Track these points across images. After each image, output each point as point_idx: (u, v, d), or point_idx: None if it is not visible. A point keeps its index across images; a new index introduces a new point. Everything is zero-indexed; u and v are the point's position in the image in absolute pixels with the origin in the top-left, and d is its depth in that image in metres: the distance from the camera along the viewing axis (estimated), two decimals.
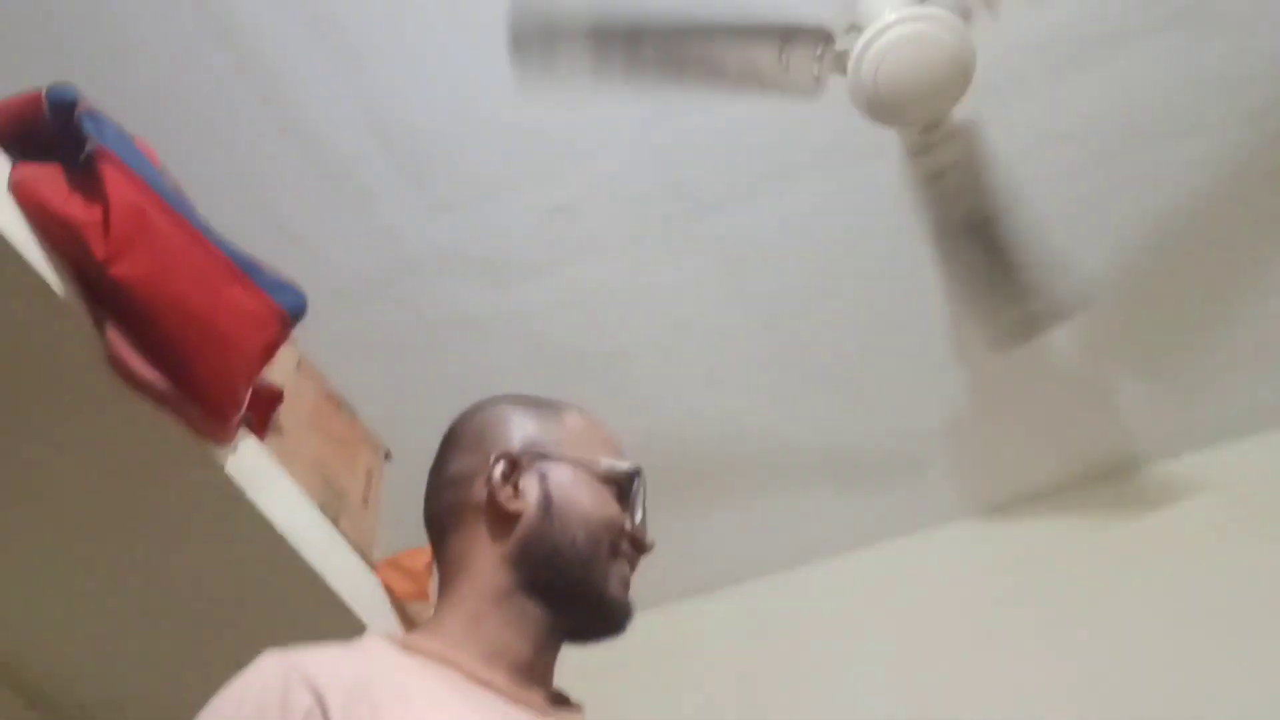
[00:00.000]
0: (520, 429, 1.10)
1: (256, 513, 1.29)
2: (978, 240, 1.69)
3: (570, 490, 1.06)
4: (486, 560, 1.04)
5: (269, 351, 1.29)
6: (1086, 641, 2.03)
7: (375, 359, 2.10)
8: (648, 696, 2.30)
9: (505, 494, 1.04)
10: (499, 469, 1.05)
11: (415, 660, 0.97)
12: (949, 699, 2.06)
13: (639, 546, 1.07)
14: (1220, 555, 2.03)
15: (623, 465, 1.09)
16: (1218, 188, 1.89)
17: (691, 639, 2.30)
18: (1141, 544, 2.12)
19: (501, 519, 1.05)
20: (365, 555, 1.52)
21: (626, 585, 1.06)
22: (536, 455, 1.07)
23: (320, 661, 0.89)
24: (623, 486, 1.08)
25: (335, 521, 1.47)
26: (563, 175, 1.92)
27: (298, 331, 1.53)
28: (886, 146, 1.66)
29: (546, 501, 1.05)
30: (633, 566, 1.08)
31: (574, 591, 1.04)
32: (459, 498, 1.08)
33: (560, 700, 1.06)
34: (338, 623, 1.43)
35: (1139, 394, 2.15)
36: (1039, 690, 2.00)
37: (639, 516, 1.08)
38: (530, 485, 1.06)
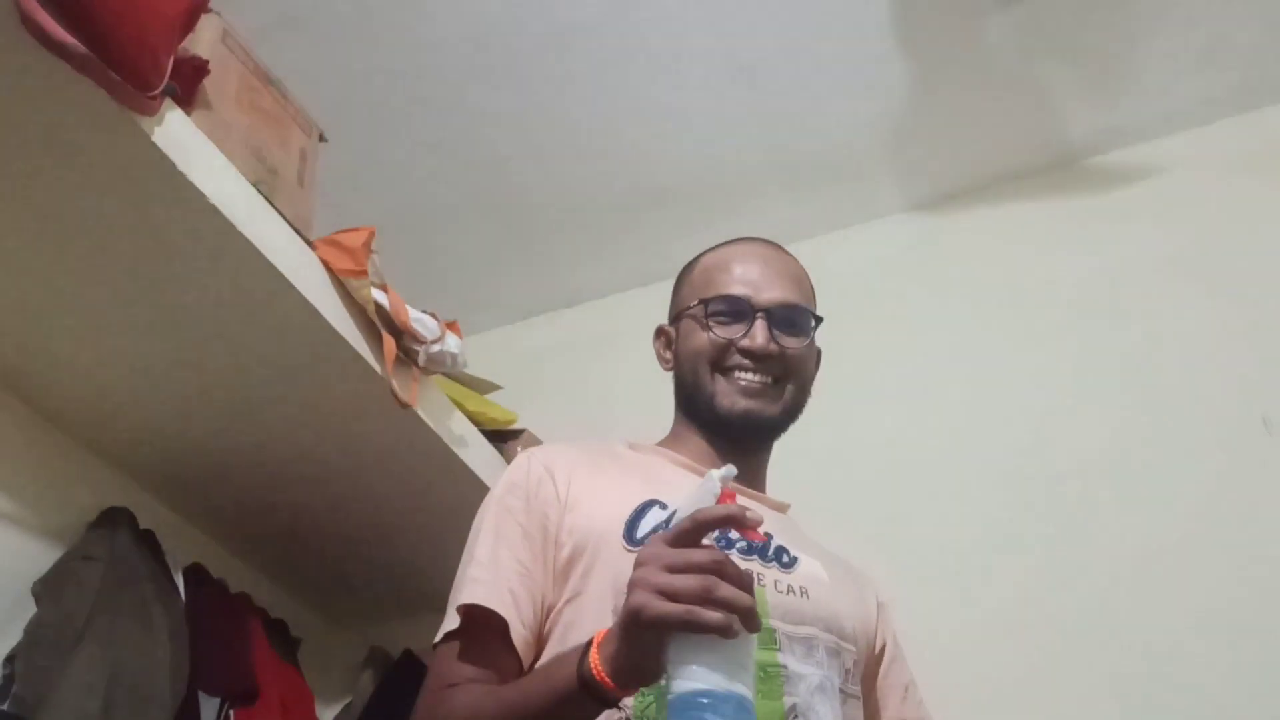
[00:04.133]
0: (674, 298, 1.46)
1: (188, 184, 1.28)
2: None
3: (685, 340, 1.38)
4: (676, 403, 1.41)
5: (191, 15, 1.25)
6: (1018, 327, 2.13)
7: (304, 37, 2.03)
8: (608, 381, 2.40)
9: (664, 360, 1.44)
10: (658, 344, 1.46)
11: (637, 454, 1.36)
12: (885, 379, 2.18)
13: (748, 354, 1.31)
14: (1147, 246, 2.10)
15: (714, 294, 1.35)
16: None
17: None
18: (1074, 234, 2.19)
19: (673, 375, 1.42)
20: (302, 233, 1.54)
21: (746, 392, 1.31)
22: (674, 321, 1.43)
23: (554, 449, 1.31)
24: (720, 311, 1.34)
25: (270, 199, 1.48)
26: None
27: (222, 7, 1.49)
28: None
29: (677, 355, 1.40)
30: (757, 370, 1.32)
31: (699, 414, 1.35)
32: None
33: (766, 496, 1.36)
34: (274, 295, 1.46)
35: (1074, 88, 2.15)
36: (968, 375, 2.12)
37: (740, 330, 1.32)
38: (674, 346, 1.42)
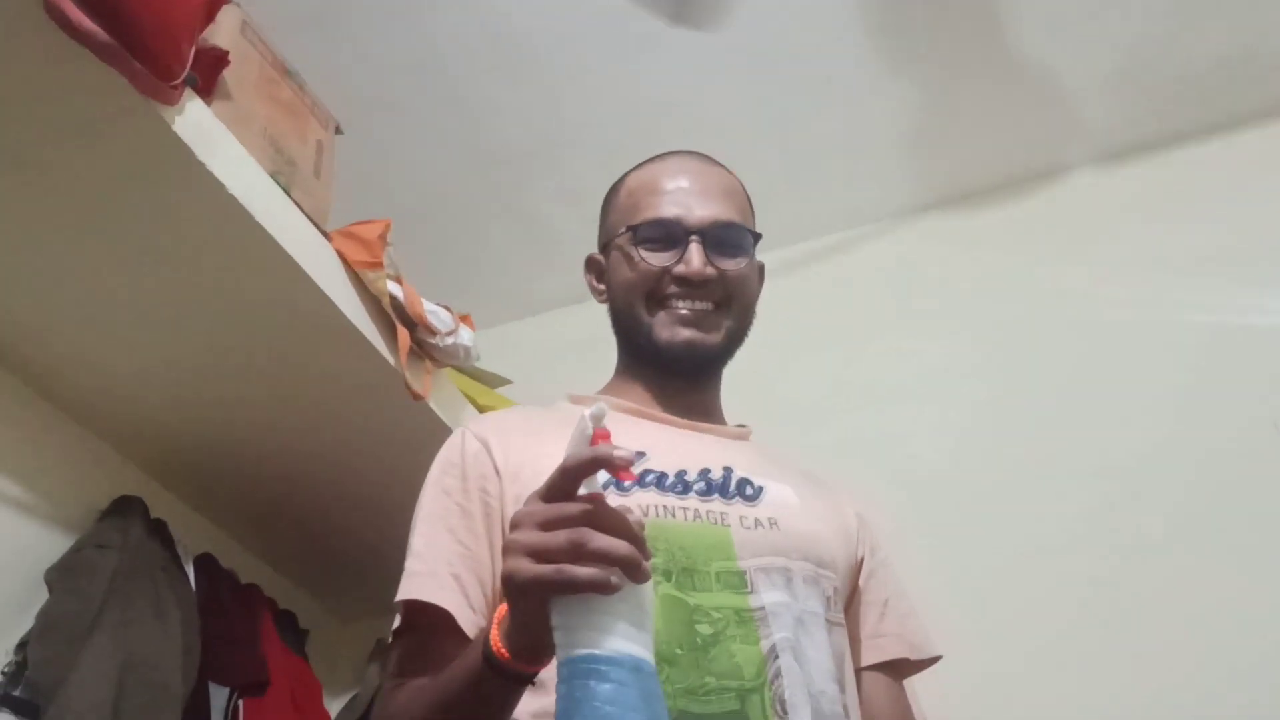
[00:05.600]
0: (601, 224, 1.33)
1: (207, 173, 1.29)
2: None
3: (614, 270, 1.27)
4: (616, 341, 1.30)
5: (212, 6, 1.25)
6: (1027, 328, 2.13)
7: (323, 30, 2.04)
8: None
9: (597, 291, 1.32)
10: (589, 276, 1.33)
11: (579, 407, 1.18)
12: (896, 372, 2.17)
13: (684, 281, 1.20)
14: (1159, 250, 2.10)
15: (640, 220, 1.23)
16: None
17: None
18: (1084, 237, 2.19)
19: (609, 310, 1.30)
20: (319, 224, 1.54)
21: (685, 321, 1.20)
22: (604, 249, 1.30)
23: (488, 419, 1.23)
24: (649, 238, 1.22)
25: (287, 190, 1.48)
26: None
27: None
28: None
29: (609, 286, 1.28)
30: (695, 296, 1.21)
31: (638, 350, 1.24)
32: None
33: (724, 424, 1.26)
34: (290, 286, 1.47)
35: (1082, 101, 2.15)
36: (977, 375, 2.12)
37: (672, 255, 1.20)
38: (606, 277, 1.29)
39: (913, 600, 1.24)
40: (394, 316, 1.61)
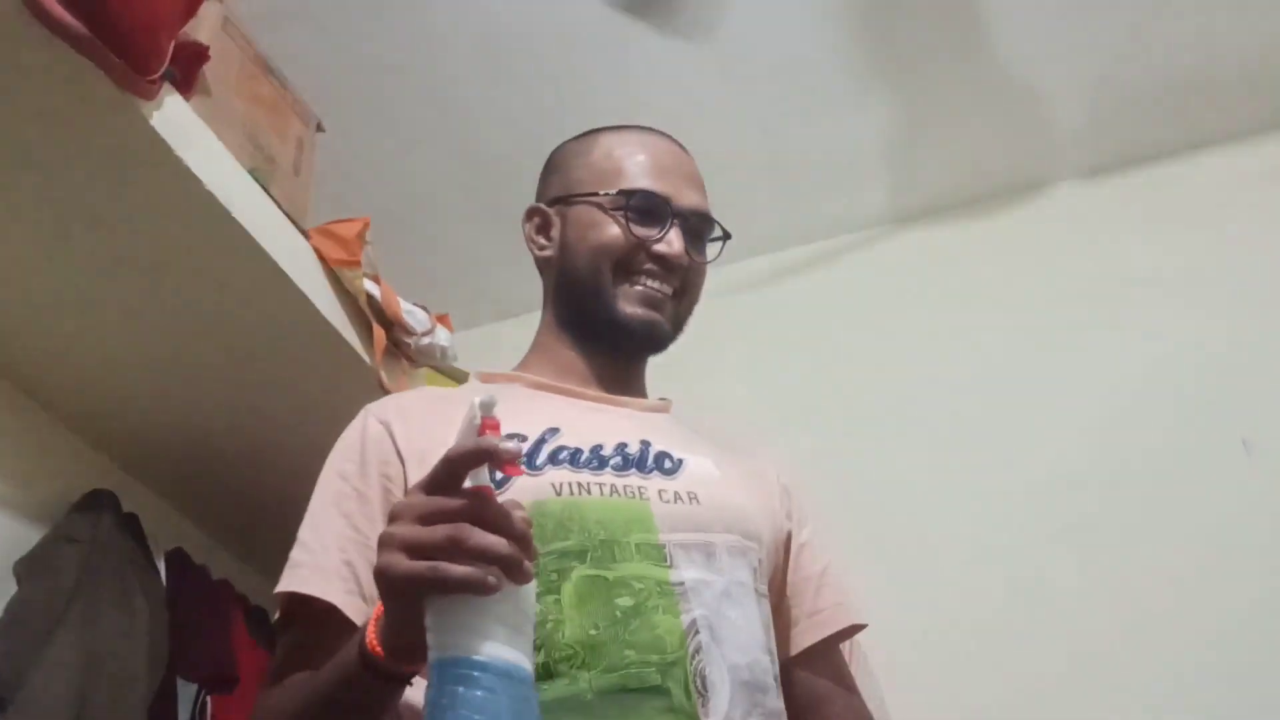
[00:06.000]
0: (556, 175, 1.27)
1: (184, 168, 1.29)
2: None
3: (580, 228, 1.20)
4: (545, 301, 1.26)
5: (193, 1, 1.25)
6: (1001, 341, 2.15)
7: (305, 27, 2.04)
8: None
9: (538, 245, 1.25)
10: (529, 226, 1.26)
11: (492, 388, 1.15)
12: (873, 382, 2.19)
13: (661, 260, 1.17)
14: (1130, 265, 2.12)
15: (631, 185, 1.18)
16: None
17: None
18: (1059, 252, 2.20)
19: (543, 266, 1.26)
20: (297, 222, 1.54)
21: (647, 301, 1.17)
22: (559, 201, 1.23)
23: (393, 401, 1.14)
24: (637, 207, 1.17)
25: (266, 187, 1.48)
26: None
27: None
28: None
29: (563, 243, 1.22)
30: (663, 279, 1.18)
31: (589, 316, 1.19)
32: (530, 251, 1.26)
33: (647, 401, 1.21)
34: (267, 283, 1.47)
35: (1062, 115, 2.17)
36: (953, 387, 2.14)
37: (654, 232, 1.17)
38: (556, 232, 1.23)
39: (840, 567, 1.21)
40: (370, 315, 1.62)
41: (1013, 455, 2.01)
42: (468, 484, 0.74)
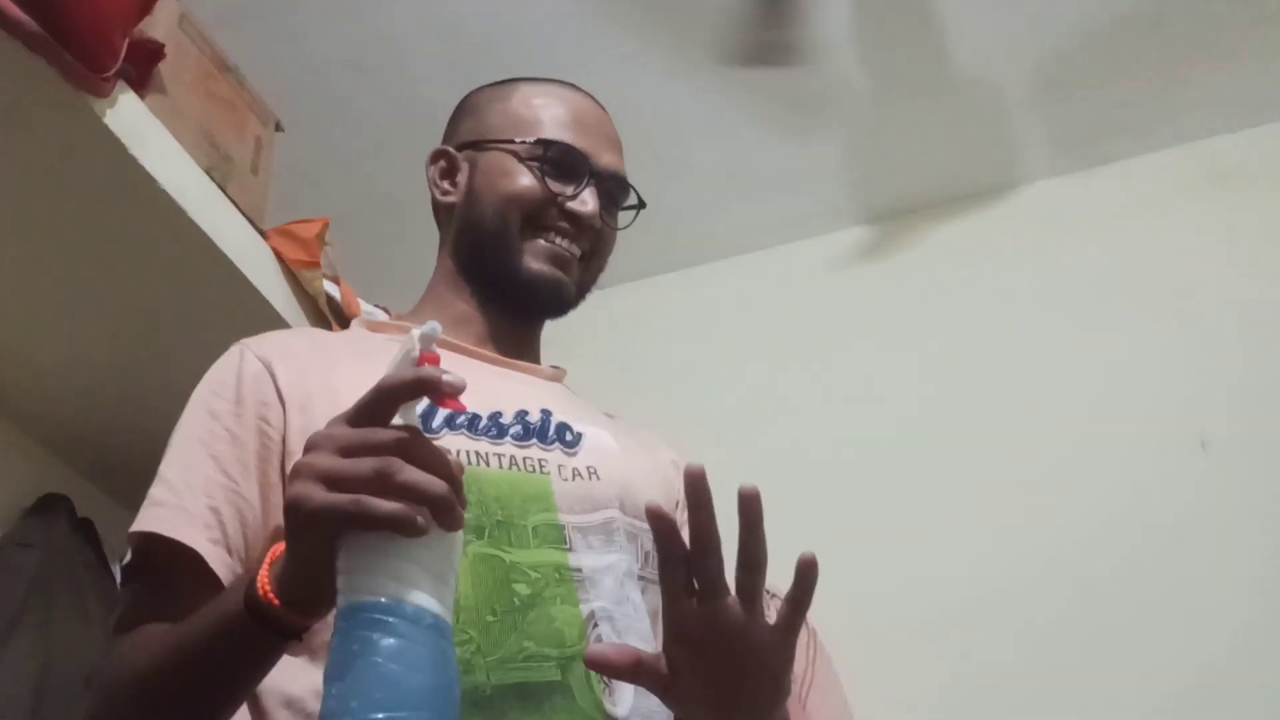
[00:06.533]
0: (469, 120, 1.21)
1: (139, 169, 1.27)
2: None
3: (490, 175, 1.14)
4: (442, 250, 1.20)
5: None
6: (963, 341, 2.16)
7: (263, 26, 2.02)
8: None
9: (441, 189, 1.19)
10: (434, 169, 1.20)
11: (380, 336, 1.11)
12: (838, 378, 2.21)
13: (573, 218, 1.11)
14: (1087, 265, 2.14)
15: (549, 136, 1.13)
16: None
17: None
18: (1019, 253, 2.22)
19: (444, 212, 1.20)
20: (255, 222, 1.53)
21: (554, 259, 1.11)
22: (470, 146, 1.17)
23: (273, 339, 1.04)
24: (554, 160, 1.12)
25: (223, 186, 1.47)
26: None
27: None
28: None
29: (469, 189, 1.16)
30: (573, 239, 1.12)
31: (490, 270, 1.13)
32: (430, 196, 1.21)
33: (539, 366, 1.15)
34: (224, 284, 1.45)
35: (1032, 114, 2.19)
36: (914, 385, 2.15)
37: (569, 188, 1.12)
38: (463, 177, 1.17)
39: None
40: (330, 317, 1.60)
41: (972, 454, 2.02)
42: (397, 421, 0.67)
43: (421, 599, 0.63)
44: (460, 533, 0.67)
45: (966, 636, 1.84)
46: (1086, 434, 1.97)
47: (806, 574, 0.78)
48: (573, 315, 1.20)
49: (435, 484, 0.64)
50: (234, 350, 1.00)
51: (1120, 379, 2.01)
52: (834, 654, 1.79)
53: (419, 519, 0.63)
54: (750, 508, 0.76)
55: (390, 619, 0.61)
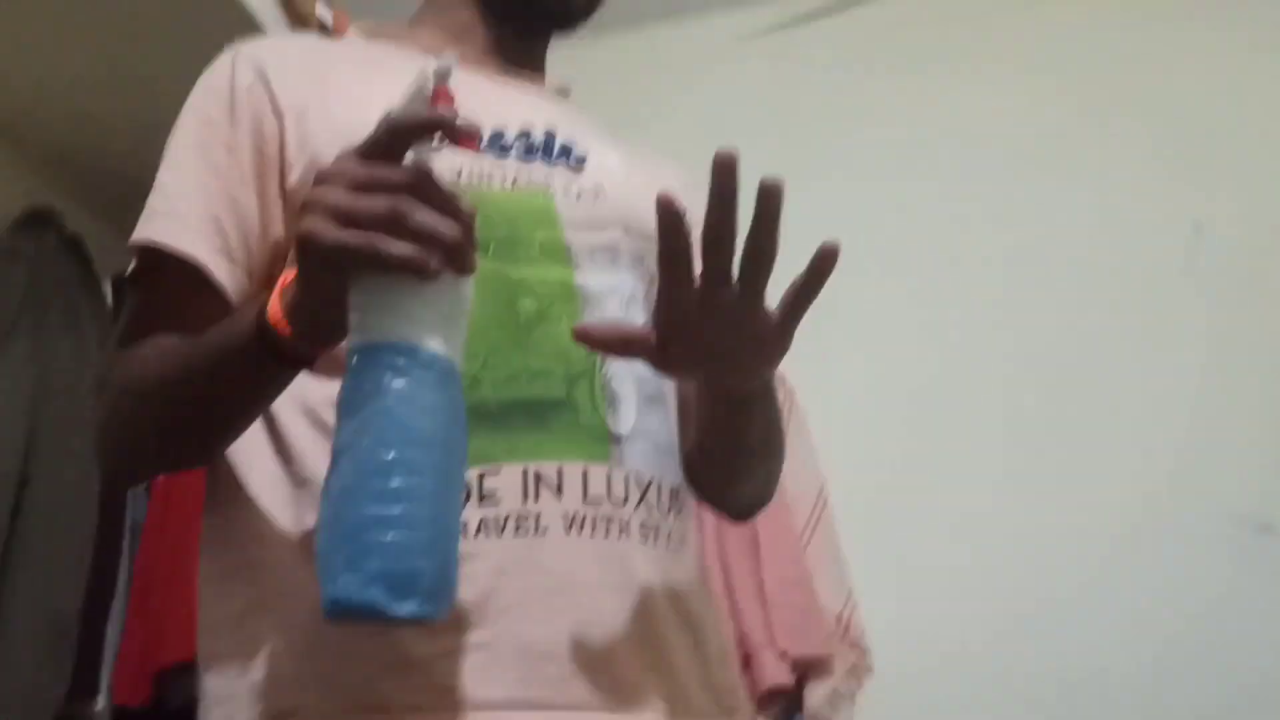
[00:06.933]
0: None
1: None
2: None
3: None
4: None
5: None
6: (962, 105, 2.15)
7: None
8: None
9: None
10: None
11: (379, 45, 1.02)
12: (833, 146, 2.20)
13: None
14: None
15: None
16: None
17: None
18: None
19: None
20: None
21: None
22: None
23: (267, 46, 0.96)
24: None
25: None
26: None
27: None
28: None
29: None
30: None
31: None
32: None
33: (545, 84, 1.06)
34: (216, 2, 1.40)
35: None
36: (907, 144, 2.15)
37: None
38: None
39: None
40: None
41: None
42: (409, 159, 0.65)
43: (433, 343, 0.63)
44: (472, 278, 0.67)
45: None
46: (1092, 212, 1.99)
47: (824, 263, 0.72)
48: (576, 62, 1.12)
49: (450, 226, 0.64)
50: (226, 57, 0.93)
51: (1116, 167, 2.01)
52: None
53: (432, 262, 0.62)
54: (770, 201, 0.70)
55: (401, 360, 0.62)
